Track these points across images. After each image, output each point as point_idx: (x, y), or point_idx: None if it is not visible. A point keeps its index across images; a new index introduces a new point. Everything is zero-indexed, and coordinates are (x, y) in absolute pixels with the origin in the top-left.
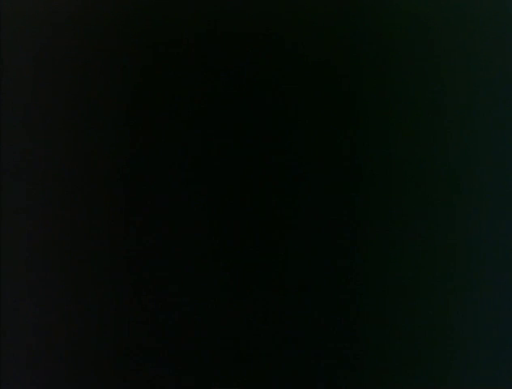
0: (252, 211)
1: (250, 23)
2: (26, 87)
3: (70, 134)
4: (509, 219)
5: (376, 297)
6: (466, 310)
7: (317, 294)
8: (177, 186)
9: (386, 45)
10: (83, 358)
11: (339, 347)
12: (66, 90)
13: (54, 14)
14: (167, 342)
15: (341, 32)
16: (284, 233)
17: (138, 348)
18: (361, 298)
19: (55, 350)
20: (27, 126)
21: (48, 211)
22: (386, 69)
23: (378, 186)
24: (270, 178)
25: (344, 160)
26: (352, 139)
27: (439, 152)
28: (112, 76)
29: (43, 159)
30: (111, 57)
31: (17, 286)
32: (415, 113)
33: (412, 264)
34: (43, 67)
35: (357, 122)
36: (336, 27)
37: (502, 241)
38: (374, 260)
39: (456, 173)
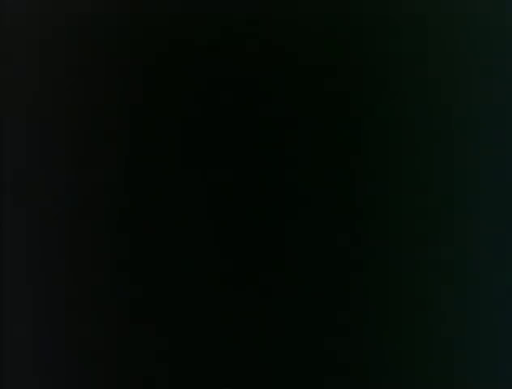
0: (252, 212)
1: (251, 25)
2: (26, 87)
3: (71, 135)
4: (509, 222)
5: (376, 299)
6: (466, 313)
7: (317, 295)
8: (177, 189)
9: (387, 48)
10: (83, 358)
11: (340, 348)
12: (66, 90)
13: (54, 14)
14: (167, 342)
15: (341, 33)
16: (284, 236)
17: (138, 348)
18: (361, 300)
19: (55, 350)
20: (27, 127)
21: (48, 210)
22: (386, 72)
23: (378, 189)
24: (270, 180)
25: (344, 163)
26: (351, 143)
27: (440, 155)
28: (112, 77)
29: (43, 159)
30: (111, 58)
31: (17, 286)
32: (415, 116)
33: (413, 268)
34: (43, 68)
35: (357, 126)
36: (336, 29)
37: (503, 245)
38: (374, 262)
39: (457, 176)
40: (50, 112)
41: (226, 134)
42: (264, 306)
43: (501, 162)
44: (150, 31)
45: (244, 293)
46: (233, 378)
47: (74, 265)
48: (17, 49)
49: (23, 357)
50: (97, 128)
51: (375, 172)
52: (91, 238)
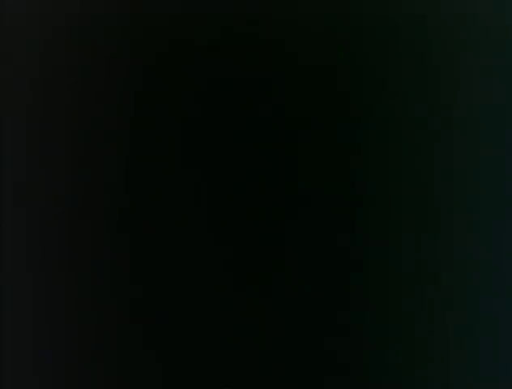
0: (252, 212)
1: (251, 25)
2: (26, 87)
3: (71, 135)
4: (509, 222)
5: (376, 299)
6: (466, 313)
7: (317, 295)
8: (177, 189)
9: (387, 48)
10: (83, 358)
11: (340, 348)
12: (66, 90)
13: (54, 14)
14: (167, 342)
15: (341, 33)
16: (284, 236)
17: (138, 348)
18: (361, 300)
19: (55, 350)
20: (27, 127)
21: (48, 210)
22: (386, 72)
23: (378, 189)
24: (270, 180)
25: (344, 163)
26: (352, 143)
27: (440, 155)
28: (112, 77)
29: (43, 159)
30: (111, 58)
31: (17, 286)
32: (415, 116)
33: (413, 268)
34: (43, 68)
35: (358, 126)
36: (336, 29)
37: (503, 245)
38: (374, 262)
39: (457, 176)
40: (50, 112)
41: (226, 134)
42: (264, 306)
43: (501, 162)
44: (150, 31)
45: (244, 293)
46: (233, 378)
47: (74, 265)
48: (17, 49)
49: (23, 357)
50: (97, 128)
51: (375, 172)
52: (91, 238)
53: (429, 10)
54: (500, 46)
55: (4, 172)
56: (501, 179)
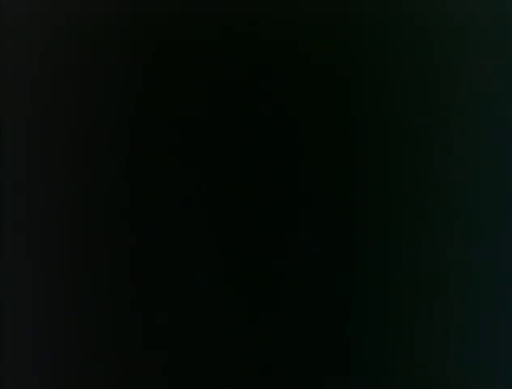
0: (252, 212)
1: (251, 25)
2: (26, 87)
3: (71, 135)
4: (509, 222)
5: (376, 299)
6: (466, 313)
7: (317, 295)
8: (177, 189)
9: (387, 48)
10: (83, 358)
11: (340, 348)
12: (66, 90)
13: (54, 14)
14: (167, 342)
15: (341, 33)
16: (284, 236)
17: (138, 348)
18: (361, 300)
19: (55, 350)
20: (27, 127)
21: (48, 210)
22: (386, 72)
23: (378, 189)
24: (270, 180)
25: (344, 163)
26: (352, 143)
27: (440, 155)
28: (112, 77)
29: (43, 159)
30: (111, 58)
31: (17, 286)
32: (415, 116)
33: (413, 268)
34: (43, 68)
35: (358, 126)
36: (336, 29)
37: (503, 245)
38: (374, 262)
39: (457, 177)
40: (50, 112)
41: (226, 134)
42: (264, 306)
43: (501, 162)
44: (150, 31)
45: (244, 293)
46: (233, 378)
47: (74, 265)
48: (17, 49)
49: (23, 357)
50: (97, 128)
51: (375, 172)
52: (91, 238)
53: (429, 10)
54: (500, 46)
55: (4, 172)
56: (501, 179)
